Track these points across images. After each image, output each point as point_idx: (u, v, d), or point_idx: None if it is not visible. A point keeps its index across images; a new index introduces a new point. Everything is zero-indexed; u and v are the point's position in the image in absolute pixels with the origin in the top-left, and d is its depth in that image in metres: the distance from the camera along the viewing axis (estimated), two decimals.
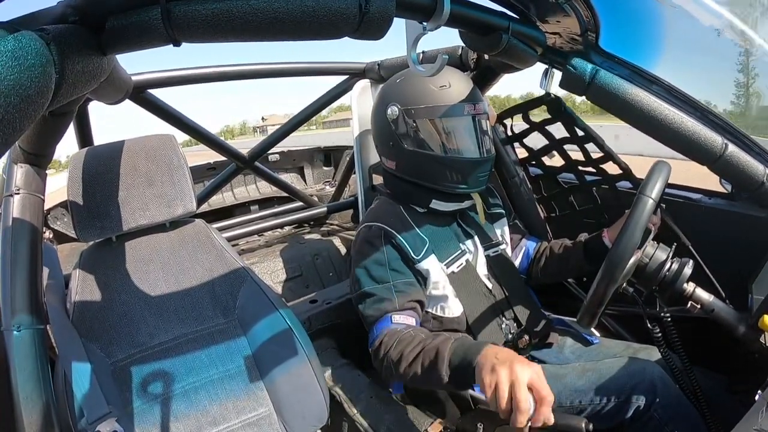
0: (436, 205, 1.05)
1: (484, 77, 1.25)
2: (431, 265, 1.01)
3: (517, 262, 1.23)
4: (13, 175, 0.75)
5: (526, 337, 1.07)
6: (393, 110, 1.03)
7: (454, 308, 1.03)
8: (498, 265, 1.12)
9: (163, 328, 0.98)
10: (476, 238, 1.11)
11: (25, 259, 0.74)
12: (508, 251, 1.20)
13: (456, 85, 1.01)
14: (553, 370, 0.97)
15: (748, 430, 0.52)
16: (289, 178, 2.68)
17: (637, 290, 0.85)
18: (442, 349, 0.78)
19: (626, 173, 1.22)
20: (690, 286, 0.80)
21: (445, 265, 1.03)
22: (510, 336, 1.06)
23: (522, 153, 1.44)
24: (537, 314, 1.12)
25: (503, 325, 1.07)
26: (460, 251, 1.07)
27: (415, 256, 1.00)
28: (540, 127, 1.33)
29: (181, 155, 1.05)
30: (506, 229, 1.22)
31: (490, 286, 1.08)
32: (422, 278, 1.02)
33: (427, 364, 0.80)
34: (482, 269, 1.10)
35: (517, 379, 0.63)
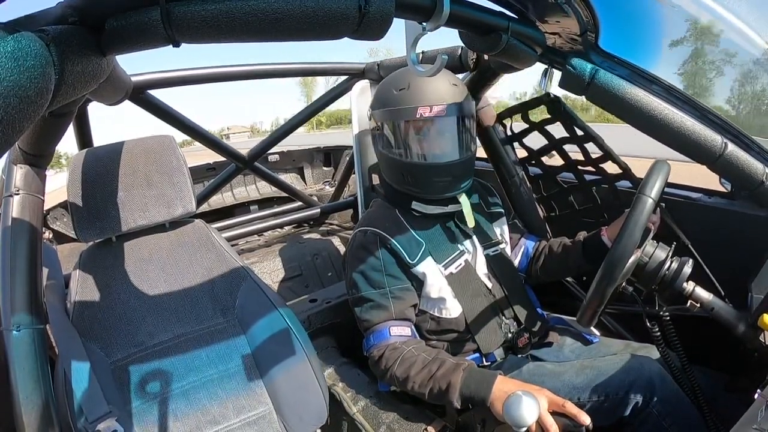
0: (417, 206, 1.04)
1: (483, 77, 1.25)
2: (428, 267, 1.01)
3: (516, 261, 1.23)
4: (13, 175, 0.75)
5: (526, 336, 1.08)
6: (369, 112, 1.07)
7: (452, 309, 1.03)
8: (497, 264, 1.12)
9: (162, 327, 0.98)
10: (475, 238, 1.11)
11: (25, 259, 0.74)
12: (508, 250, 1.20)
13: (416, 86, 0.97)
14: (551, 367, 0.97)
15: (747, 429, 0.52)
16: (289, 178, 2.68)
17: (636, 289, 0.85)
18: (453, 381, 0.85)
19: (626, 173, 1.22)
20: (689, 285, 0.80)
21: (443, 266, 1.03)
22: (509, 335, 1.06)
23: (522, 153, 1.44)
24: (536, 313, 1.12)
25: (503, 324, 1.07)
26: (458, 252, 1.07)
27: (410, 261, 1.00)
28: (539, 126, 1.33)
29: (180, 156, 1.05)
30: (505, 228, 1.21)
31: (489, 285, 1.08)
32: (418, 282, 1.02)
33: (437, 392, 0.87)
34: (482, 269, 1.10)
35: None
